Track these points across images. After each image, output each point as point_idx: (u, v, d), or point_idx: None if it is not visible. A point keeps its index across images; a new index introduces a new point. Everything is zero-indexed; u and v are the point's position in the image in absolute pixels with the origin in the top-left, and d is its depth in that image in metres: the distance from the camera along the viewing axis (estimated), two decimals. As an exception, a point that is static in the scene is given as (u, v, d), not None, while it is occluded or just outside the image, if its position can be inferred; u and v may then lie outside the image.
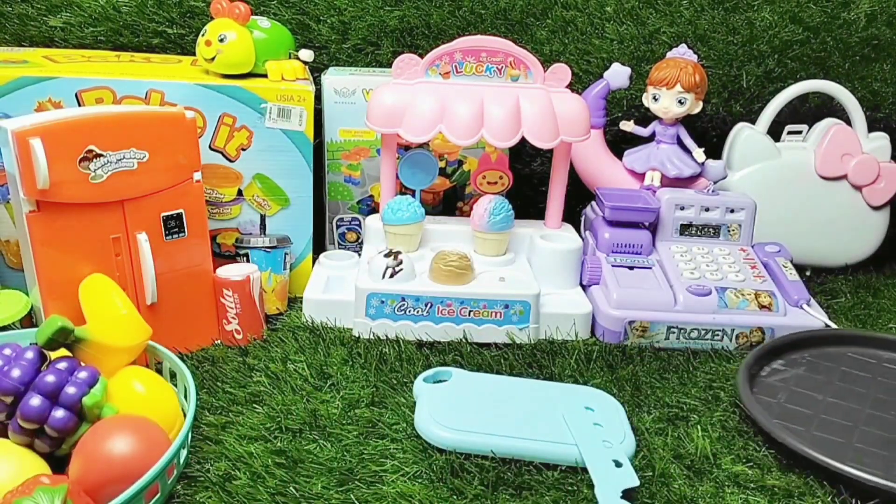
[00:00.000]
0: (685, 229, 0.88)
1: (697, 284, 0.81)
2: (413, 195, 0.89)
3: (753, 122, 0.98)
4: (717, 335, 0.79)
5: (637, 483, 0.57)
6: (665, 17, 1.02)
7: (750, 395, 0.66)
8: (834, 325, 0.81)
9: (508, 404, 0.65)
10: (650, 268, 0.85)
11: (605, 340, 0.79)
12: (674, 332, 0.79)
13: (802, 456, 0.59)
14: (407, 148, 0.91)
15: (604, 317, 0.79)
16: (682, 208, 0.88)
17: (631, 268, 0.85)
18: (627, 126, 0.97)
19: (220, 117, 0.79)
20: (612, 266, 0.84)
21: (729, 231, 0.89)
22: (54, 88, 0.74)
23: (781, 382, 0.71)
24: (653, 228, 0.89)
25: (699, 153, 0.94)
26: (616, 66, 0.94)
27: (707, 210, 0.88)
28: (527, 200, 1.04)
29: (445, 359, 0.74)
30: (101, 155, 0.65)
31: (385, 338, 0.76)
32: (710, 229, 0.89)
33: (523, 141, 0.80)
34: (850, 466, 0.57)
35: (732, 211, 0.88)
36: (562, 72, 0.83)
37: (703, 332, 0.79)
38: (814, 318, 0.81)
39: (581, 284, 0.85)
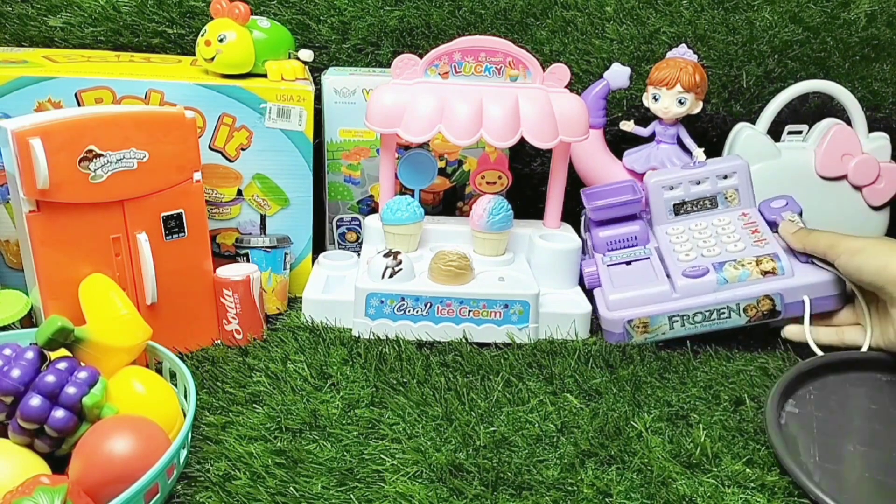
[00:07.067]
0: (679, 208, 0.85)
1: (692, 266, 0.78)
2: (413, 195, 0.89)
3: (753, 122, 0.98)
4: (724, 313, 0.76)
5: None
6: (665, 17, 1.02)
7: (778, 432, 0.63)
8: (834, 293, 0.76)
9: None
10: (648, 258, 0.82)
11: (611, 342, 0.78)
12: (677, 321, 0.76)
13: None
14: (406, 148, 0.91)
15: (604, 320, 0.79)
16: (671, 188, 0.84)
17: (629, 262, 0.83)
18: (627, 126, 0.97)
19: (219, 117, 0.79)
20: (608, 265, 0.83)
21: (727, 198, 0.84)
22: (54, 88, 0.74)
23: (804, 423, 0.67)
24: (648, 215, 0.86)
25: (699, 153, 0.94)
26: (616, 66, 0.94)
27: (698, 183, 0.84)
28: (526, 200, 1.04)
29: (445, 359, 0.74)
30: (101, 155, 0.65)
31: (385, 338, 0.76)
32: (706, 202, 0.84)
33: (523, 141, 0.80)
34: None
35: (725, 177, 0.84)
36: (561, 72, 0.83)
37: (707, 314, 0.76)
38: (822, 270, 0.75)
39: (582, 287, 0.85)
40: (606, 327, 0.79)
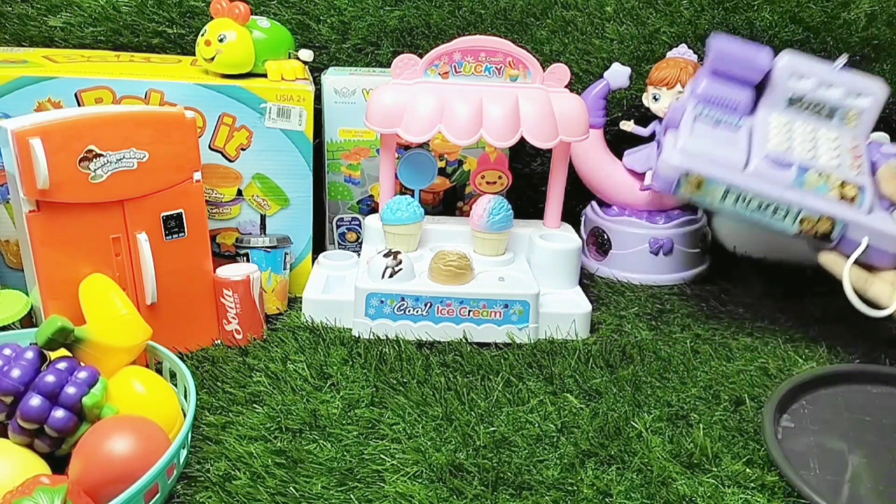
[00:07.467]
0: (795, 102, 0.77)
1: (777, 155, 0.72)
2: (413, 195, 0.89)
3: (753, 121, 0.98)
4: (780, 212, 0.71)
5: None
6: (665, 17, 1.02)
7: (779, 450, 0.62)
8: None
9: None
10: (738, 129, 0.75)
11: (656, 188, 0.74)
12: (731, 196, 0.71)
13: None
14: (406, 148, 0.91)
15: (662, 163, 0.73)
16: (801, 77, 0.76)
17: (717, 123, 0.76)
18: (627, 126, 0.97)
19: (219, 117, 0.79)
20: (696, 115, 0.76)
21: (846, 117, 0.77)
22: (54, 88, 0.74)
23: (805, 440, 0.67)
24: (759, 93, 0.79)
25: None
26: (616, 66, 0.94)
27: (830, 86, 0.76)
28: (527, 200, 1.05)
29: (445, 359, 0.74)
30: (101, 155, 0.65)
31: (385, 338, 0.76)
32: (825, 109, 0.77)
33: (523, 141, 0.80)
34: None
35: (859, 95, 0.76)
36: (561, 72, 0.83)
37: (763, 205, 0.71)
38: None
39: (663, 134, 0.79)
40: (661, 171, 0.73)
